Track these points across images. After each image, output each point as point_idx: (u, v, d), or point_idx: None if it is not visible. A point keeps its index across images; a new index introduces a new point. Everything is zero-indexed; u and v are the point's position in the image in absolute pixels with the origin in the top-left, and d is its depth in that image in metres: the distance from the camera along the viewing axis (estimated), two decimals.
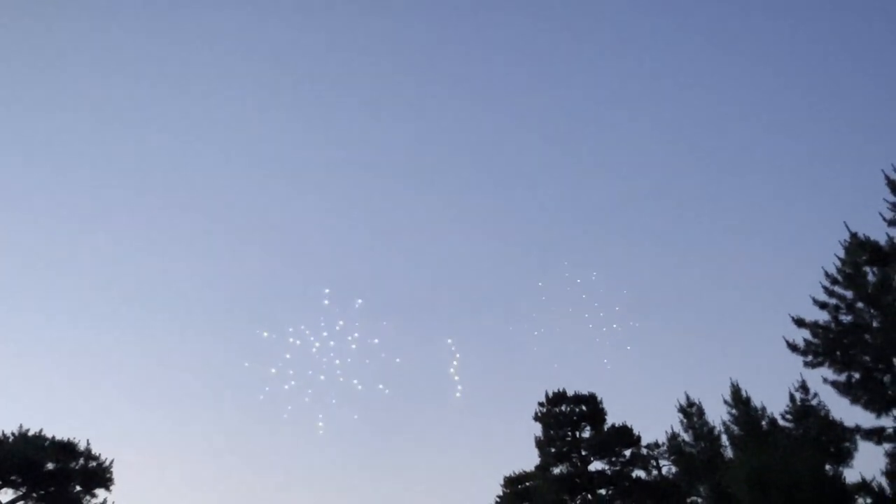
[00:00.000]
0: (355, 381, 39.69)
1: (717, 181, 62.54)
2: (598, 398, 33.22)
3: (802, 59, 60.79)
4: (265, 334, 40.32)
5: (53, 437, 27.35)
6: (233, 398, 58.04)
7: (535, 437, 32.94)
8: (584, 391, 33.48)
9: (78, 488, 27.32)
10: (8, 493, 26.19)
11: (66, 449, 27.34)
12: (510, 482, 33.98)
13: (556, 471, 31.58)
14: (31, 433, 27.04)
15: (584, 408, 32.91)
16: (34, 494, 26.42)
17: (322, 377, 39.52)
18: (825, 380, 23.70)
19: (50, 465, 26.85)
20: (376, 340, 39.87)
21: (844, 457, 23.77)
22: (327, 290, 41.96)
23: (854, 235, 23.86)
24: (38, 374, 59.01)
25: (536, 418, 33.36)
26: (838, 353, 23.28)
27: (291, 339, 39.39)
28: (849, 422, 23.86)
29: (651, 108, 63.01)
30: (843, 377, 23.26)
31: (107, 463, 28.08)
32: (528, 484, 33.26)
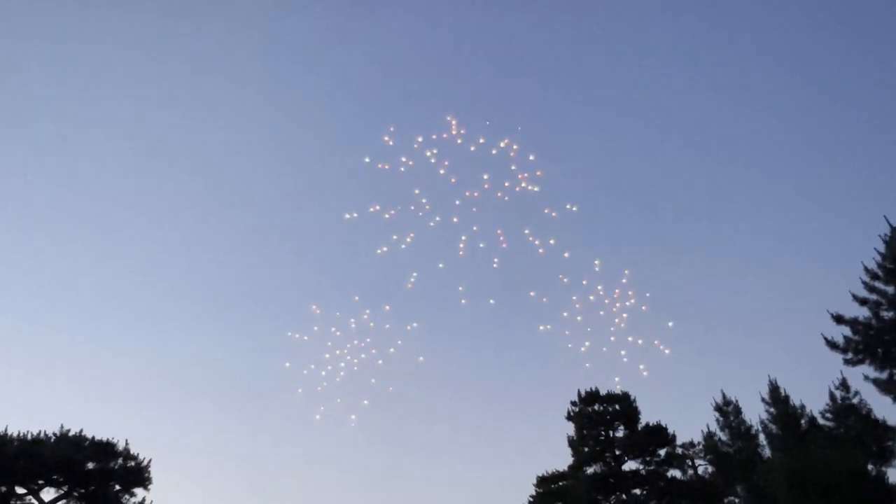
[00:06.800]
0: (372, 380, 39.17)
1: (751, 176, 61.58)
2: (632, 397, 32.88)
3: (838, 56, 59.55)
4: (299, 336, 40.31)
5: (93, 438, 27.94)
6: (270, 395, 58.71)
7: (568, 437, 32.70)
8: (617, 390, 33.21)
9: (117, 487, 27.86)
10: (50, 493, 26.87)
11: (106, 449, 27.90)
12: (543, 482, 33.76)
13: (590, 470, 31.30)
14: (71, 433, 27.67)
15: (617, 407, 32.55)
16: (75, 493, 27.04)
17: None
18: (866, 377, 23.15)
19: (90, 465, 27.41)
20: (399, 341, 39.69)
21: (887, 456, 23.15)
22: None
23: (895, 229, 23.25)
24: (77, 375, 60.44)
25: (569, 417, 33.11)
26: (879, 350, 22.70)
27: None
28: (892, 420, 23.30)
29: (678, 109, 62.31)
30: (884, 375, 22.69)
31: (145, 462, 28.60)
32: (561, 484, 33.00)
